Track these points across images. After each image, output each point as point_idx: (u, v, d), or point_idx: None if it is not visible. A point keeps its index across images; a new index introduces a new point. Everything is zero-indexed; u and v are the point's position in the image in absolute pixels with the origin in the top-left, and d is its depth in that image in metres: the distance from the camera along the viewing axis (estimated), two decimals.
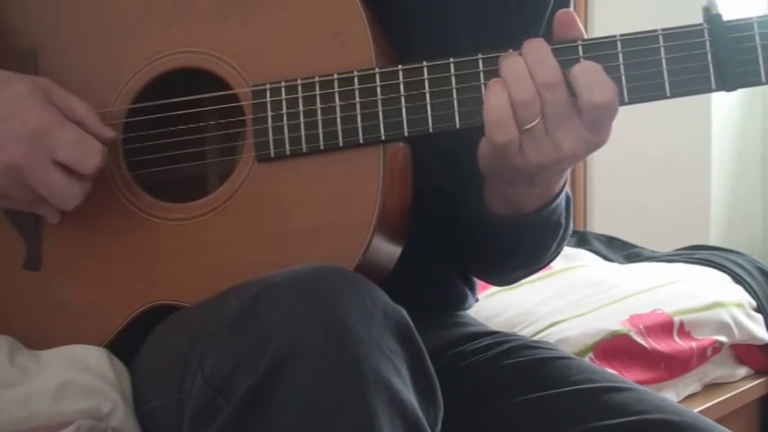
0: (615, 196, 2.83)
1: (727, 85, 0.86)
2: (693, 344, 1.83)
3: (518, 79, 0.86)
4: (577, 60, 0.87)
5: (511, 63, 0.87)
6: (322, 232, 0.91)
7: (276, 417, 0.72)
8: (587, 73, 0.85)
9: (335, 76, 0.91)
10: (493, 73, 0.88)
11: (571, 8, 1.10)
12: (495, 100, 0.86)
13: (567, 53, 0.87)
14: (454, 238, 1.09)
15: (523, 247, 1.05)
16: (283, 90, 0.92)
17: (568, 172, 0.96)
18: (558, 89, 0.85)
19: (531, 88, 0.85)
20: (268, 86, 0.92)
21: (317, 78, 0.91)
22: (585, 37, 0.88)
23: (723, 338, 1.90)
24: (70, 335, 0.95)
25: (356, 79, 0.90)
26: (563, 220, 1.02)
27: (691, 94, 0.86)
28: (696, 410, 1.20)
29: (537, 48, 0.87)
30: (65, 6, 1.00)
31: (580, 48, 0.87)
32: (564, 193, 1.00)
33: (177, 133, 0.96)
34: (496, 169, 0.91)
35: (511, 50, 0.88)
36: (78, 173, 0.90)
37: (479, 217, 1.00)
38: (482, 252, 1.09)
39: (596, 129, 0.87)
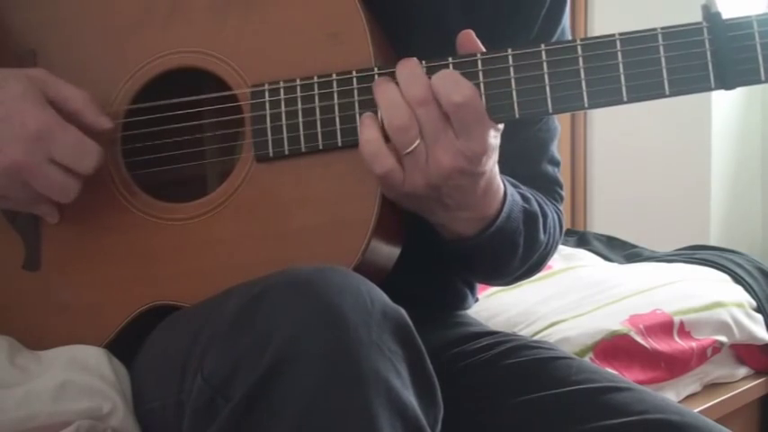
0: (615, 196, 2.83)
1: (726, 83, 0.86)
2: (693, 344, 1.83)
3: (392, 105, 0.87)
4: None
5: (383, 91, 0.88)
6: (321, 232, 0.91)
7: (276, 417, 0.71)
8: (443, 77, 0.87)
9: (334, 75, 0.91)
10: (492, 72, 0.88)
11: (566, 10, 1.10)
12: (367, 134, 0.87)
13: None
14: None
15: (476, 266, 1.06)
16: (282, 90, 0.92)
17: (500, 191, 0.95)
18: (430, 104, 0.86)
19: (405, 112, 0.86)
20: (267, 86, 0.92)
21: (315, 78, 0.91)
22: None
23: (723, 338, 1.90)
24: (70, 335, 0.95)
25: (355, 79, 0.90)
26: (519, 239, 1.01)
27: (690, 92, 0.86)
28: (696, 410, 1.20)
29: (407, 67, 0.88)
30: (63, 7, 1.00)
31: (579, 47, 0.87)
32: (519, 212, 0.99)
33: (176, 133, 0.96)
34: (397, 201, 0.91)
35: (378, 73, 0.89)
36: (76, 173, 0.90)
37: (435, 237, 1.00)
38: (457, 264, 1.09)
39: (467, 135, 0.86)
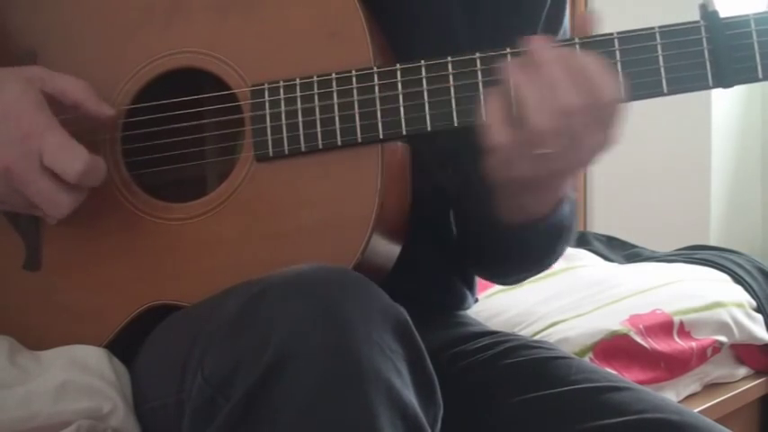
0: (615, 196, 2.83)
1: (724, 81, 0.86)
2: (693, 344, 1.83)
3: (544, 104, 0.83)
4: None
5: (538, 87, 0.83)
6: (321, 231, 0.91)
7: (276, 416, 0.71)
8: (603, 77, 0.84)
9: (334, 75, 0.91)
10: (490, 72, 0.88)
11: (567, 11, 1.10)
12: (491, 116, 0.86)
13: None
14: (458, 239, 1.09)
15: (532, 251, 1.05)
16: (282, 89, 0.92)
17: None
18: (587, 111, 0.83)
19: (559, 116, 0.83)
20: (266, 86, 0.93)
21: (315, 78, 0.91)
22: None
23: (723, 338, 1.90)
24: (70, 335, 0.95)
25: (354, 78, 0.90)
26: (567, 222, 1.02)
27: (688, 91, 0.87)
28: (696, 410, 1.20)
29: (565, 65, 0.84)
30: (64, 7, 1.01)
31: (577, 46, 0.87)
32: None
33: (176, 133, 0.96)
34: (509, 181, 0.90)
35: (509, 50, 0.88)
36: (62, 179, 0.89)
37: (489, 222, 0.99)
38: (491, 255, 1.09)
39: (605, 132, 0.86)
